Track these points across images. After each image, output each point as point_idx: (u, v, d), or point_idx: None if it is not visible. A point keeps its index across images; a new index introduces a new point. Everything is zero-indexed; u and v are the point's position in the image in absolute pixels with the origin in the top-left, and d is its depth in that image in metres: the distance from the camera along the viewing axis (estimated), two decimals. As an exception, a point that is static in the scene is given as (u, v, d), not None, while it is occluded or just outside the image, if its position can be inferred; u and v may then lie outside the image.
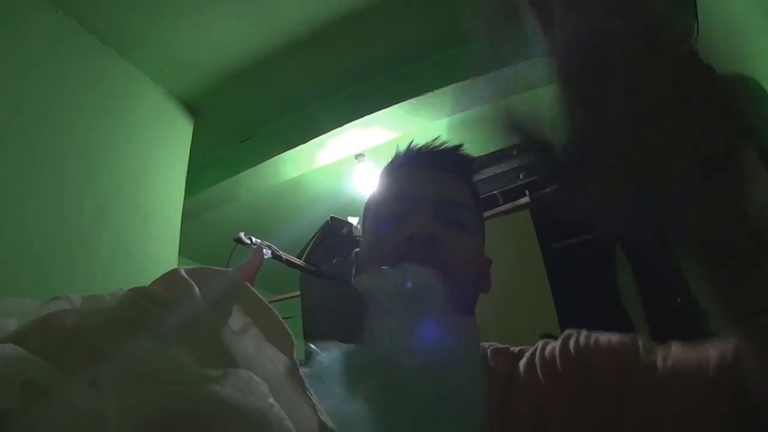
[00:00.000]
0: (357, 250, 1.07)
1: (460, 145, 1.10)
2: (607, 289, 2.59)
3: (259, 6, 2.86)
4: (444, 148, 1.07)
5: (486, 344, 1.01)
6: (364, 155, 4.12)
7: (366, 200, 1.12)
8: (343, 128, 3.55)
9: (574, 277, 2.69)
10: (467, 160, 1.08)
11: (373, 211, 1.03)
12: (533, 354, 0.93)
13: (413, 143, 1.08)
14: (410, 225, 0.90)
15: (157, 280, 0.72)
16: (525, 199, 2.94)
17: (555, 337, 2.47)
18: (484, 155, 3.32)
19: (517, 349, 1.01)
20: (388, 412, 0.77)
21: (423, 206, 0.93)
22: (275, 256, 2.90)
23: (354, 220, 3.51)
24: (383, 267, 0.87)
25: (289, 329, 0.78)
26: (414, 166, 1.04)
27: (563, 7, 0.58)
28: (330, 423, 0.74)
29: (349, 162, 4.17)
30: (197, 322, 0.66)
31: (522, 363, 0.92)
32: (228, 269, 0.78)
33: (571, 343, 0.88)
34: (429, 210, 0.92)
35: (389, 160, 1.09)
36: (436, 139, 1.09)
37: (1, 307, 0.67)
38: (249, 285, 0.77)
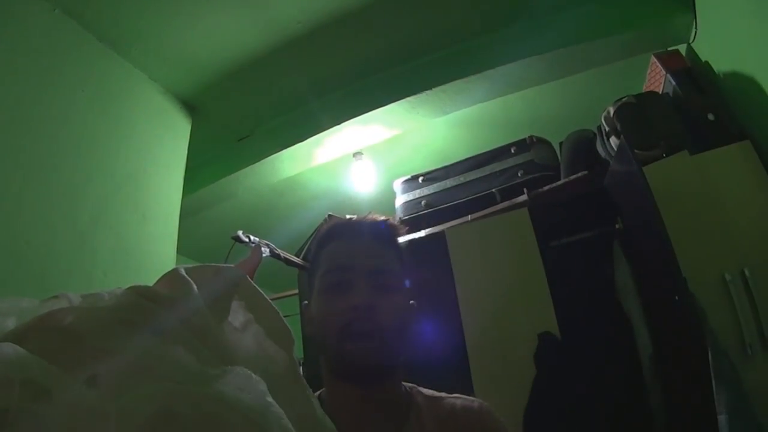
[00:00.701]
0: (306, 303, 1.26)
1: (384, 218, 1.30)
2: (605, 287, 2.59)
3: (257, 4, 2.86)
4: (373, 222, 1.27)
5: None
6: (362, 153, 4.13)
7: (312, 250, 1.32)
8: (341, 126, 3.55)
9: (572, 275, 2.69)
10: (393, 228, 1.29)
11: (318, 278, 1.21)
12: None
13: (348, 217, 1.32)
14: (352, 296, 1.12)
15: (158, 279, 0.72)
16: (523, 197, 2.95)
17: (553, 335, 2.47)
18: (482, 153, 3.32)
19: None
20: None
21: (360, 277, 1.15)
22: (273, 254, 2.90)
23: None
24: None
25: (289, 326, 0.79)
26: (348, 239, 1.24)
27: None
28: (329, 422, 0.74)
29: (347, 160, 4.18)
30: (196, 320, 0.67)
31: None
32: (230, 265, 0.78)
33: None
34: (364, 280, 1.14)
35: (327, 229, 1.30)
36: (366, 214, 1.31)
37: None
38: (251, 281, 0.77)
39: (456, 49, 3.43)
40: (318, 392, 1.20)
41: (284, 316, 0.79)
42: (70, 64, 2.61)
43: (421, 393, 1.25)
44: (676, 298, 2.05)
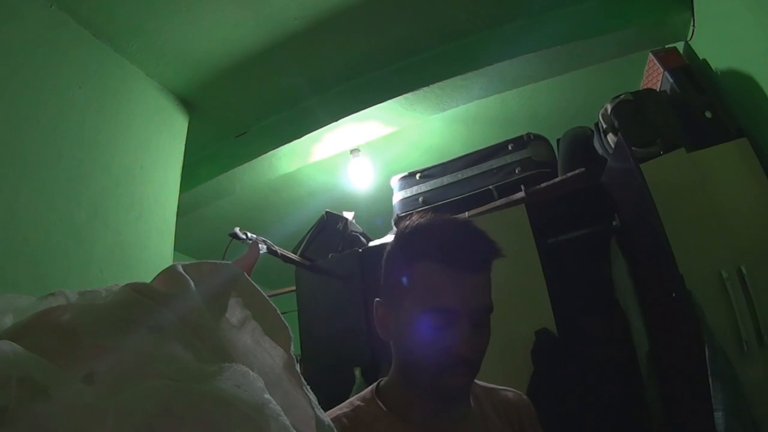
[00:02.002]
0: (378, 300, 1.23)
1: (488, 240, 1.21)
2: (602, 284, 2.60)
3: (254, 0, 2.85)
4: (479, 250, 1.18)
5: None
6: (359, 150, 4.13)
7: (389, 259, 1.24)
8: (338, 123, 3.55)
9: (570, 272, 2.69)
10: (496, 251, 1.20)
11: (412, 302, 1.13)
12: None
13: (442, 227, 1.19)
14: (456, 344, 1.08)
15: (155, 276, 0.72)
16: (520, 194, 2.95)
17: (550, 332, 2.47)
18: (479, 150, 3.32)
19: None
20: None
21: (464, 318, 1.09)
22: (270, 251, 2.90)
23: (349, 215, 3.51)
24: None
25: (287, 323, 0.79)
26: (457, 269, 1.12)
27: None
28: (326, 419, 0.74)
29: (345, 157, 4.17)
30: (194, 317, 0.66)
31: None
32: (227, 262, 0.78)
33: None
34: (464, 322, 1.09)
35: (423, 241, 1.17)
36: (467, 232, 1.19)
37: None
38: (248, 277, 0.77)
39: (453, 46, 3.43)
40: (378, 382, 1.26)
41: (282, 313, 0.79)
42: (66, 60, 2.60)
43: (477, 384, 1.30)
44: (673, 295, 2.05)
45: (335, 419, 1.14)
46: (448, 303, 1.10)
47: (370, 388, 1.27)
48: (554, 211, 2.87)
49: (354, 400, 1.24)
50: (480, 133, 4.11)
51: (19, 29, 2.38)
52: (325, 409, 0.81)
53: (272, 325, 0.77)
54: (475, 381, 1.29)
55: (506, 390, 1.34)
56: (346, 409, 1.20)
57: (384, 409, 1.18)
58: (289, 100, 3.66)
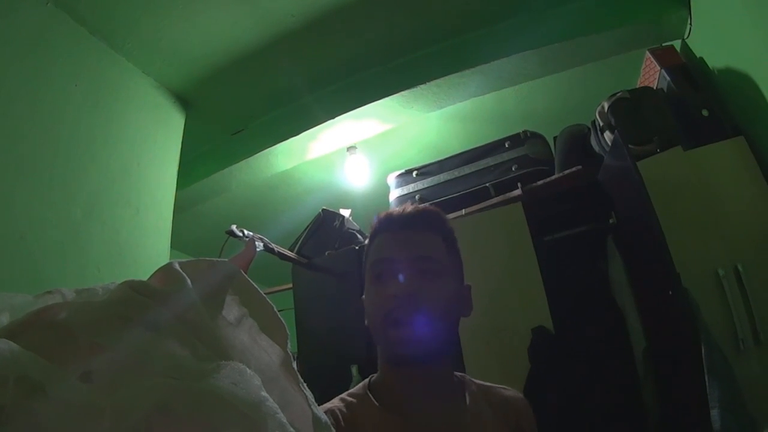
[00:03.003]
0: (363, 297, 1.29)
1: (427, 206, 1.35)
2: (599, 282, 2.60)
3: (250, -2, 2.86)
4: (415, 211, 1.29)
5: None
6: (356, 147, 4.13)
7: (363, 255, 1.36)
8: (335, 120, 3.55)
9: (566, 269, 2.70)
10: (435, 214, 1.31)
11: (367, 270, 1.28)
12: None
13: (389, 212, 1.32)
14: (393, 286, 1.17)
15: (152, 274, 0.72)
16: (517, 192, 2.95)
17: (547, 330, 2.47)
18: (476, 147, 3.32)
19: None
20: None
21: (402, 266, 1.19)
22: (267, 249, 2.90)
23: (346, 212, 3.51)
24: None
25: (284, 321, 0.79)
26: (393, 230, 1.27)
27: None
28: (323, 416, 0.74)
29: (341, 154, 4.17)
30: (190, 315, 0.66)
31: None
32: (224, 260, 0.78)
33: None
34: (407, 268, 1.18)
35: (374, 225, 1.32)
36: (406, 205, 1.33)
37: None
38: (245, 275, 0.77)
39: (450, 43, 3.43)
40: (369, 378, 1.29)
41: (278, 311, 0.80)
42: (63, 58, 2.60)
43: (473, 381, 1.32)
44: (670, 292, 2.05)
45: (329, 411, 1.16)
46: (385, 253, 1.24)
47: (362, 383, 1.29)
48: (551, 209, 2.88)
49: (345, 395, 1.25)
50: (477, 131, 4.11)
51: (15, 27, 2.37)
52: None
53: (269, 323, 0.77)
54: (472, 379, 1.32)
55: (503, 388, 1.35)
56: (338, 404, 1.21)
57: (376, 404, 1.19)
58: (286, 98, 3.65)
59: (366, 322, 1.26)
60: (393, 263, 1.20)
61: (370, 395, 1.22)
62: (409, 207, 1.31)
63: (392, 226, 1.27)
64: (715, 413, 1.80)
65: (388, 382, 1.23)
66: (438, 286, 1.18)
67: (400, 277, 1.17)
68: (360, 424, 1.15)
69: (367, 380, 1.28)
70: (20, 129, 2.30)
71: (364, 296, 1.29)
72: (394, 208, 1.33)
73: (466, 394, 1.25)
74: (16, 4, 2.39)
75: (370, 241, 1.32)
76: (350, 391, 1.28)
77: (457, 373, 1.30)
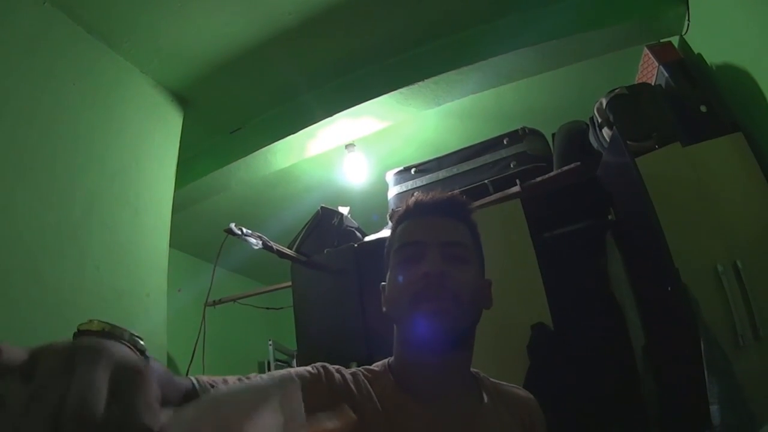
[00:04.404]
0: (383, 283, 1.29)
1: (456, 194, 1.34)
2: (598, 278, 2.60)
3: (248, -4, 2.85)
4: (444, 198, 1.29)
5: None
6: (354, 145, 4.13)
7: (387, 242, 1.34)
8: (333, 118, 3.55)
9: (565, 266, 2.70)
10: (464, 204, 1.31)
11: (392, 255, 1.27)
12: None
13: (419, 197, 1.32)
14: (423, 265, 1.15)
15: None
16: (516, 189, 2.95)
17: (546, 326, 2.46)
18: (474, 144, 3.32)
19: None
20: None
21: (432, 249, 1.18)
22: (266, 247, 2.90)
23: (345, 210, 3.51)
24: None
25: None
26: (421, 216, 1.27)
27: None
28: None
29: (340, 152, 4.17)
30: None
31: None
32: None
33: None
34: (437, 251, 1.17)
35: (402, 210, 1.32)
36: (435, 191, 1.33)
37: None
38: None
39: (448, 40, 3.42)
40: (388, 359, 1.27)
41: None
42: (60, 57, 2.59)
43: (488, 379, 1.32)
44: (669, 289, 2.05)
45: (354, 374, 1.18)
46: (416, 236, 1.23)
47: (382, 362, 1.27)
48: (550, 206, 2.88)
49: (364, 369, 1.24)
50: (475, 128, 4.11)
51: (13, 26, 2.37)
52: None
53: None
54: (486, 376, 1.32)
55: (516, 388, 1.35)
56: (361, 371, 1.22)
57: (394, 381, 1.19)
58: (284, 96, 3.65)
59: (384, 308, 1.26)
60: (422, 246, 1.20)
61: (389, 373, 1.22)
62: (438, 193, 1.31)
63: (422, 211, 1.27)
64: (714, 409, 1.80)
65: (404, 367, 1.21)
66: (466, 272, 1.18)
67: (430, 258, 1.16)
68: (377, 395, 1.14)
69: (387, 360, 1.27)
70: (18, 129, 2.30)
71: (383, 283, 1.28)
72: (424, 193, 1.33)
73: (483, 391, 1.25)
74: (13, 3, 2.39)
75: (395, 225, 1.31)
76: (369, 367, 1.26)
77: (473, 370, 1.30)
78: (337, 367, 1.18)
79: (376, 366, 1.26)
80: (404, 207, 1.31)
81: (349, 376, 1.16)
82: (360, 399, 1.11)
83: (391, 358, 1.27)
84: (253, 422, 0.56)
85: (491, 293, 1.29)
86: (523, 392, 1.35)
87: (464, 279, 1.17)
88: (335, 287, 3.15)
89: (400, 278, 1.19)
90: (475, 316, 1.21)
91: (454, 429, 1.15)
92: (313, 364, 1.15)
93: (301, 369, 1.12)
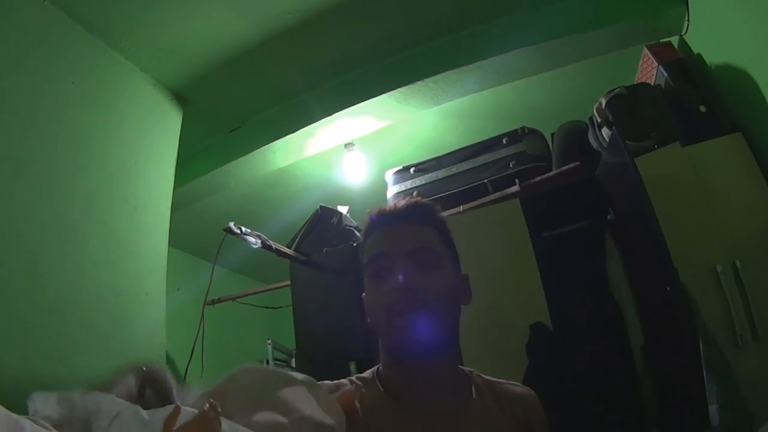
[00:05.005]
0: (363, 294, 1.31)
1: (418, 199, 1.36)
2: (597, 278, 2.60)
3: (247, -5, 2.85)
4: (406, 205, 1.30)
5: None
6: (353, 144, 4.13)
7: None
8: (332, 117, 3.54)
9: (564, 266, 2.70)
10: (427, 207, 1.33)
11: (364, 269, 1.28)
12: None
13: (381, 208, 1.32)
14: (391, 280, 1.17)
15: None
16: (515, 188, 2.95)
17: (545, 326, 2.46)
18: (473, 144, 3.32)
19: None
20: None
21: (399, 259, 1.19)
22: (265, 246, 2.90)
23: (344, 209, 3.51)
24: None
25: None
26: (386, 226, 1.28)
27: None
28: None
29: (339, 151, 4.17)
30: None
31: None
32: None
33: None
34: (404, 261, 1.19)
35: (367, 223, 1.33)
36: (397, 200, 1.33)
37: None
38: None
39: (447, 40, 3.42)
40: (377, 366, 1.31)
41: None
42: (60, 56, 2.59)
43: (480, 376, 1.32)
44: (668, 289, 2.05)
45: (342, 384, 1.22)
46: (382, 247, 1.24)
47: (371, 370, 1.30)
48: (549, 205, 2.88)
49: (354, 378, 1.28)
50: (474, 127, 4.11)
51: (12, 25, 2.37)
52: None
53: None
54: (480, 374, 1.33)
55: (513, 384, 1.35)
56: (348, 382, 1.26)
57: (382, 389, 1.22)
58: (284, 95, 3.65)
59: (368, 320, 1.27)
60: (389, 257, 1.21)
61: (377, 381, 1.24)
62: (400, 201, 1.32)
63: (385, 222, 1.28)
64: (713, 409, 1.80)
65: (392, 375, 1.24)
66: (436, 277, 1.20)
67: (398, 270, 1.17)
68: (364, 405, 1.17)
69: (375, 368, 1.30)
70: (17, 127, 2.29)
71: (364, 294, 1.29)
72: (386, 204, 1.34)
73: (473, 388, 1.25)
74: (12, 2, 2.38)
75: (364, 239, 1.32)
76: (359, 375, 1.30)
77: (465, 368, 1.31)
78: (325, 382, 1.22)
79: (366, 373, 1.30)
80: (369, 219, 1.32)
81: (332, 387, 1.21)
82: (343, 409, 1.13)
83: (380, 366, 1.30)
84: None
85: (470, 287, 1.31)
86: (520, 388, 1.35)
87: (436, 284, 1.19)
88: (334, 286, 3.15)
89: (373, 293, 1.23)
90: (454, 316, 1.24)
91: (436, 428, 1.16)
92: None
93: None
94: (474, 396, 1.24)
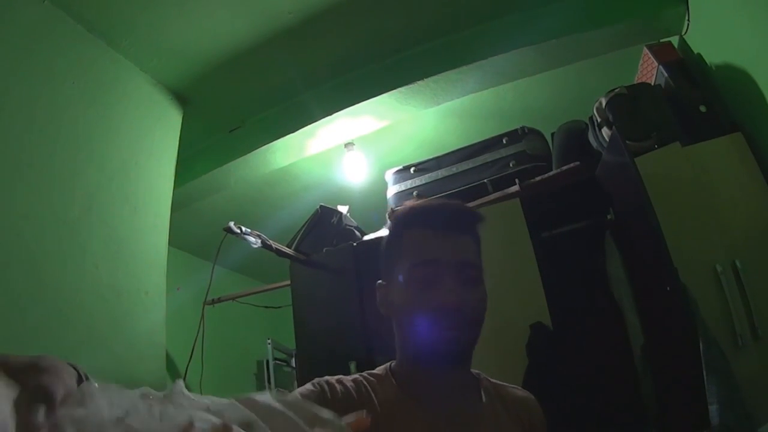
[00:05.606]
0: (381, 282, 1.29)
1: (465, 206, 1.35)
2: (597, 277, 2.60)
3: (248, -6, 2.85)
4: (455, 210, 1.28)
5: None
6: (353, 144, 4.13)
7: (384, 242, 1.32)
8: (332, 117, 3.54)
9: (564, 265, 2.70)
10: (474, 216, 1.28)
11: (405, 270, 1.21)
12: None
13: (427, 203, 1.29)
14: (440, 294, 1.14)
15: None
16: (515, 188, 2.95)
17: (545, 326, 2.47)
18: (474, 144, 3.32)
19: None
20: None
21: (448, 271, 1.16)
22: (265, 246, 2.90)
23: (344, 209, 3.51)
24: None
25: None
26: (433, 228, 1.21)
27: None
28: None
29: (339, 151, 4.17)
30: None
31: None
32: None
33: None
34: (453, 276, 1.16)
35: (408, 212, 1.29)
36: (444, 201, 1.32)
37: None
38: None
39: (447, 39, 3.42)
40: (390, 363, 1.29)
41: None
42: (60, 55, 2.59)
43: (487, 378, 1.32)
44: (668, 288, 2.05)
45: (355, 380, 1.21)
46: (434, 254, 1.18)
47: (383, 366, 1.29)
48: (549, 205, 2.88)
49: (367, 373, 1.27)
50: (474, 127, 4.11)
51: (12, 24, 2.37)
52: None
53: None
54: (486, 377, 1.33)
55: (515, 388, 1.36)
56: (362, 377, 1.25)
57: (396, 385, 1.22)
58: (284, 95, 3.65)
59: (383, 309, 1.27)
60: (438, 267, 1.17)
61: (391, 377, 1.24)
62: (449, 204, 1.31)
63: (433, 224, 1.22)
64: (713, 409, 1.80)
65: (412, 375, 1.23)
66: (477, 295, 1.19)
67: (448, 285, 1.15)
68: (379, 400, 1.17)
69: (388, 364, 1.29)
70: (17, 127, 2.29)
71: (382, 282, 1.28)
72: (428, 201, 1.31)
73: (482, 391, 1.26)
74: (12, 2, 2.38)
75: (402, 228, 1.27)
76: (371, 371, 1.29)
77: (474, 371, 1.31)
78: (338, 377, 1.21)
79: (378, 369, 1.28)
80: (410, 210, 1.28)
81: (350, 384, 1.19)
82: (359, 403, 1.14)
83: (393, 362, 1.28)
84: None
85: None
86: (522, 392, 1.35)
87: (478, 304, 1.18)
88: (334, 286, 3.15)
89: (414, 297, 1.18)
90: (479, 333, 1.22)
91: (453, 430, 1.16)
92: (313, 381, 1.18)
93: (303, 389, 1.16)
94: (484, 399, 1.24)
